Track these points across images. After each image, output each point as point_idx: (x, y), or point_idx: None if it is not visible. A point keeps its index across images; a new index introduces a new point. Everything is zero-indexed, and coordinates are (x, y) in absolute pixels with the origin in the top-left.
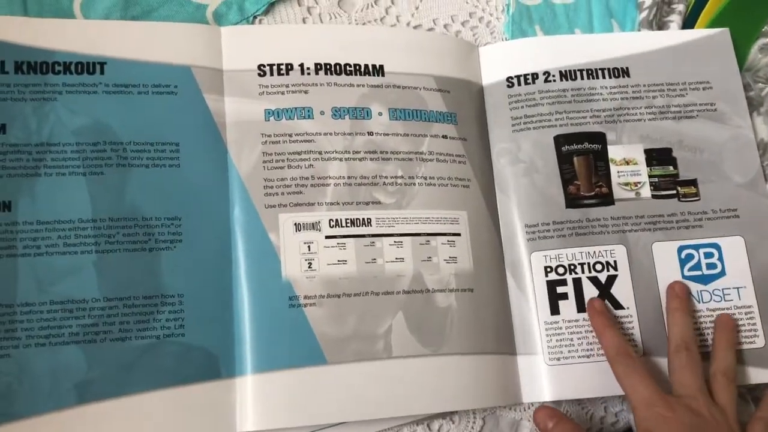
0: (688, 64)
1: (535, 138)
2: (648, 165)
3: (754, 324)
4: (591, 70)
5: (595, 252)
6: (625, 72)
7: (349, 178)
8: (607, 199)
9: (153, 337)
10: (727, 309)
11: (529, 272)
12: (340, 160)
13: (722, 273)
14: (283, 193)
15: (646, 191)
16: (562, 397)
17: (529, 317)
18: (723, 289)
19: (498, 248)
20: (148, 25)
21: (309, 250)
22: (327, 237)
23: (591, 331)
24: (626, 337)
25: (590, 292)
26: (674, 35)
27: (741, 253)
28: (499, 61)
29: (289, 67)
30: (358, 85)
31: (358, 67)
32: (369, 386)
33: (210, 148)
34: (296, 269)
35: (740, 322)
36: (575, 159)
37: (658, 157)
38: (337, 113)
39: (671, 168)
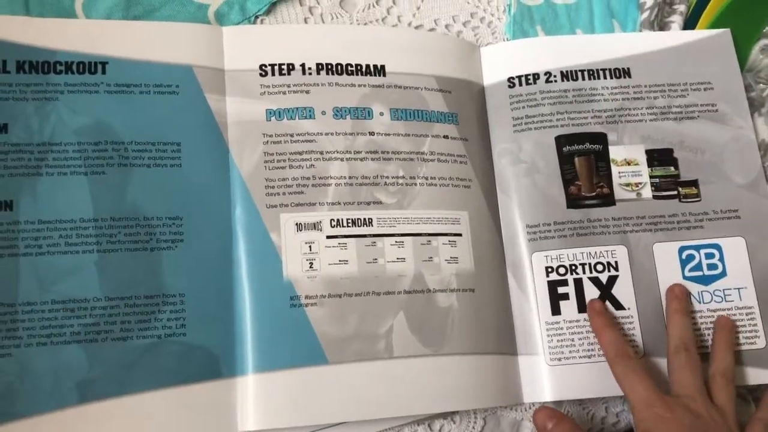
0: (689, 64)
1: (537, 138)
2: (649, 165)
3: (755, 325)
4: (592, 70)
5: (596, 252)
6: (626, 72)
7: (350, 178)
8: (608, 200)
9: (154, 336)
10: (728, 310)
11: (530, 272)
12: (342, 160)
13: (723, 274)
14: (284, 193)
15: (647, 192)
16: (563, 398)
17: (530, 317)
18: (724, 290)
19: (499, 248)
20: (149, 25)
21: (310, 250)
22: (328, 237)
23: (592, 332)
24: (627, 337)
25: (591, 292)
26: (675, 36)
27: (742, 253)
28: (501, 61)
29: (291, 67)
30: (359, 85)
31: (359, 67)
32: (370, 386)
33: (211, 148)
34: (297, 269)
35: (741, 323)
36: (576, 159)
37: (659, 157)
38: (339, 113)
39: (672, 169)
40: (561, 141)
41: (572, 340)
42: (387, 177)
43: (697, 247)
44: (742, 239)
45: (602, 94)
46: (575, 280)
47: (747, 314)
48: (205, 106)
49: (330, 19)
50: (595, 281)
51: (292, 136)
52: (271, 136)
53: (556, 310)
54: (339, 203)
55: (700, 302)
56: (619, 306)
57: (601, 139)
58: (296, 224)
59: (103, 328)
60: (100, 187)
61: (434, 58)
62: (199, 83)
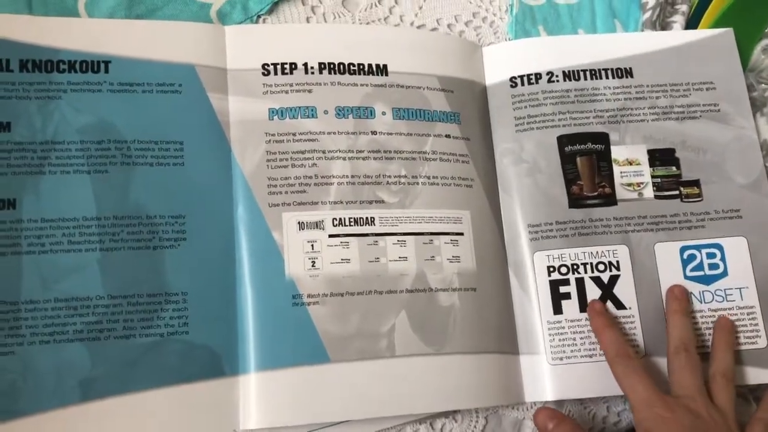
0: (691, 64)
1: (539, 138)
2: (651, 165)
3: (756, 324)
4: (594, 70)
5: (597, 252)
6: (628, 72)
7: (352, 177)
8: (610, 200)
9: (157, 335)
10: (729, 309)
11: (531, 272)
12: (344, 159)
13: (724, 273)
14: (286, 192)
15: (648, 192)
16: (565, 397)
17: (531, 317)
18: (725, 290)
19: (501, 248)
20: (152, 24)
21: (312, 248)
22: (330, 236)
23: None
24: (628, 337)
25: (593, 292)
26: (678, 35)
27: (743, 253)
28: (503, 61)
29: (293, 66)
30: (361, 85)
31: (361, 67)
32: (372, 385)
33: (214, 147)
34: (300, 268)
35: (742, 323)
36: (578, 159)
37: (661, 157)
38: (341, 112)
39: (674, 168)
40: (563, 141)
41: (574, 339)
42: (389, 176)
43: (699, 247)
44: (744, 239)
45: (604, 94)
46: (577, 279)
47: (748, 314)
48: (207, 105)
49: (332, 19)
50: (597, 281)
51: (294, 135)
52: (273, 135)
53: (557, 310)
54: (341, 202)
55: (701, 302)
56: (620, 305)
57: (603, 138)
58: (298, 223)
59: (106, 327)
60: (103, 185)
61: (436, 57)
62: (202, 82)
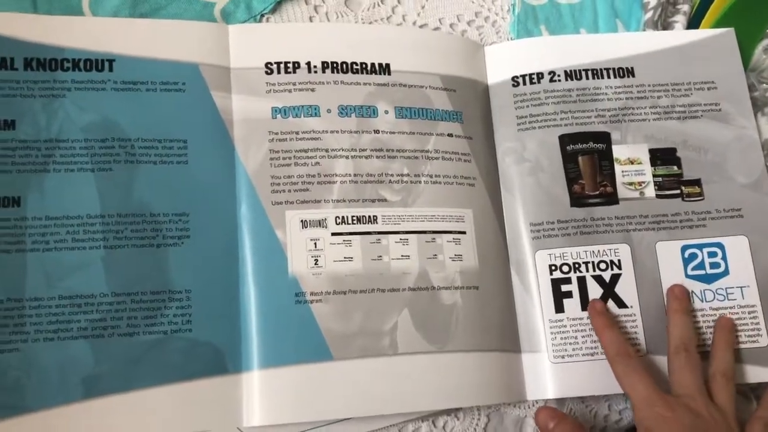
0: (692, 64)
1: (540, 137)
2: (652, 165)
3: (758, 323)
4: (596, 69)
5: (599, 251)
6: (630, 72)
7: (355, 175)
8: (612, 199)
9: (160, 332)
10: (731, 308)
11: (533, 270)
12: (347, 157)
13: (726, 272)
14: (289, 191)
15: (650, 191)
16: (566, 395)
17: (533, 315)
18: (726, 289)
19: (503, 246)
20: (156, 23)
21: (315, 246)
22: (333, 234)
23: None
24: (629, 335)
25: (594, 290)
26: (679, 35)
27: (745, 252)
28: (505, 60)
29: (296, 65)
30: (364, 84)
31: (364, 66)
32: (374, 382)
33: (217, 145)
34: (303, 266)
35: (743, 322)
36: (580, 158)
37: (662, 156)
38: (344, 111)
39: (675, 168)
40: (565, 140)
41: (575, 337)
42: (392, 175)
43: (700, 246)
44: (745, 238)
45: (606, 94)
46: (578, 278)
47: (749, 313)
48: (211, 104)
49: (335, 18)
50: (599, 279)
51: (297, 133)
52: (276, 133)
53: (559, 308)
54: (344, 200)
55: (702, 301)
56: (621, 304)
57: (604, 138)
58: (301, 221)
59: (110, 324)
60: (107, 183)
61: (439, 56)
62: (205, 81)
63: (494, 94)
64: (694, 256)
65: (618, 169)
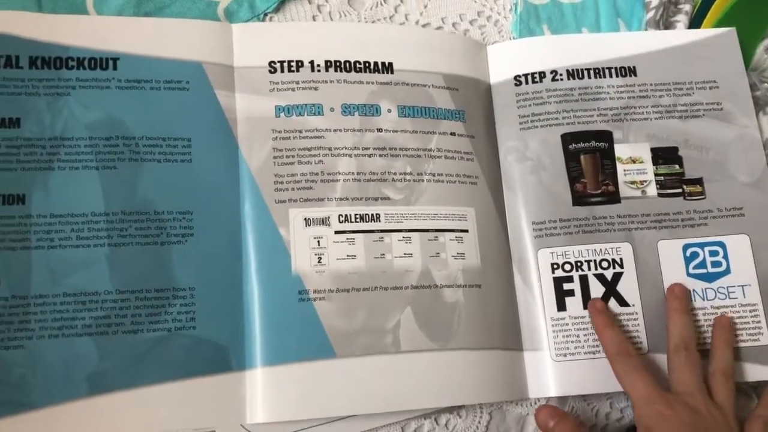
0: (694, 63)
1: (543, 136)
2: (654, 163)
3: (759, 322)
4: (598, 69)
5: (601, 249)
6: (632, 71)
7: (358, 174)
8: (614, 197)
9: (164, 329)
10: (732, 307)
11: (535, 269)
12: (350, 156)
13: (727, 271)
14: (293, 189)
15: (652, 190)
16: (568, 393)
17: (535, 313)
18: (728, 287)
19: (505, 245)
20: (160, 22)
21: (318, 244)
22: (336, 232)
23: None
24: (631, 334)
25: (596, 289)
26: (681, 35)
27: (746, 251)
28: (507, 59)
29: (300, 64)
30: (367, 83)
31: (367, 65)
32: (377, 380)
33: (221, 144)
34: (306, 264)
35: (745, 320)
36: (582, 157)
37: (664, 155)
38: (347, 110)
39: (677, 167)
40: (567, 139)
41: (577, 336)
42: (394, 173)
43: (702, 245)
44: (746, 237)
45: (608, 93)
46: (580, 276)
47: (751, 311)
48: (215, 103)
49: (338, 17)
50: (600, 278)
51: (300, 132)
52: (280, 132)
53: (561, 306)
54: (347, 199)
55: (704, 299)
56: (623, 303)
57: (606, 137)
58: (305, 219)
59: (114, 321)
60: (111, 181)
61: (441, 56)
62: (209, 80)
63: (497, 93)
64: (695, 254)
65: (620, 168)
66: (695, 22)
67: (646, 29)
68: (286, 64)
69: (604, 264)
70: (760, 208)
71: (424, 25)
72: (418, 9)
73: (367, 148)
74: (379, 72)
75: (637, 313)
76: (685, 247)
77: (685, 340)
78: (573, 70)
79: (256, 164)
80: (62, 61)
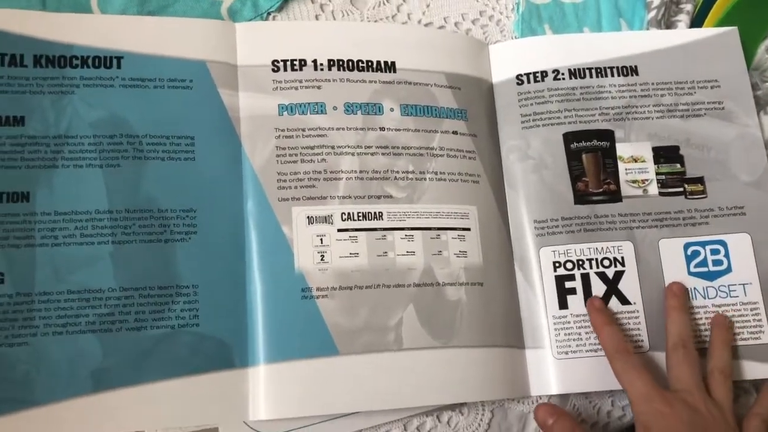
0: (696, 62)
1: (545, 135)
2: (655, 162)
3: (760, 320)
4: (600, 68)
5: (602, 248)
6: (633, 70)
7: (361, 172)
8: (615, 196)
9: (168, 326)
10: (733, 305)
11: (537, 267)
12: (353, 154)
13: (728, 269)
14: (296, 187)
15: (653, 188)
16: (570, 391)
17: (537, 311)
18: (729, 286)
19: (507, 243)
20: (164, 21)
21: (321, 242)
22: (339, 230)
23: None
24: (632, 332)
25: (598, 287)
26: (683, 34)
27: (747, 250)
28: (509, 59)
29: (303, 62)
30: (370, 81)
31: (370, 64)
32: (380, 377)
33: (224, 142)
34: (309, 261)
35: (745, 319)
36: (584, 156)
37: (665, 154)
38: (350, 108)
39: (678, 166)
40: (569, 138)
41: (579, 334)
42: (397, 172)
43: (703, 244)
44: (748, 236)
45: (610, 92)
46: (582, 274)
47: (752, 310)
48: (218, 101)
49: (341, 16)
50: (602, 276)
51: (303, 130)
52: (283, 130)
53: (563, 305)
54: (350, 197)
55: (705, 298)
56: (625, 301)
57: (608, 136)
58: (308, 217)
59: (118, 318)
60: (115, 179)
61: (444, 55)
62: (213, 78)
63: (499, 92)
64: (696, 253)
65: (621, 166)
66: (697, 22)
67: (647, 29)
68: (289, 63)
69: (606, 262)
70: (761, 207)
71: (426, 25)
72: (420, 8)
73: (369, 147)
74: (381, 71)
75: (638, 312)
76: (686, 246)
77: (683, 338)
78: (575, 69)
79: (259, 162)
80: (66, 60)
